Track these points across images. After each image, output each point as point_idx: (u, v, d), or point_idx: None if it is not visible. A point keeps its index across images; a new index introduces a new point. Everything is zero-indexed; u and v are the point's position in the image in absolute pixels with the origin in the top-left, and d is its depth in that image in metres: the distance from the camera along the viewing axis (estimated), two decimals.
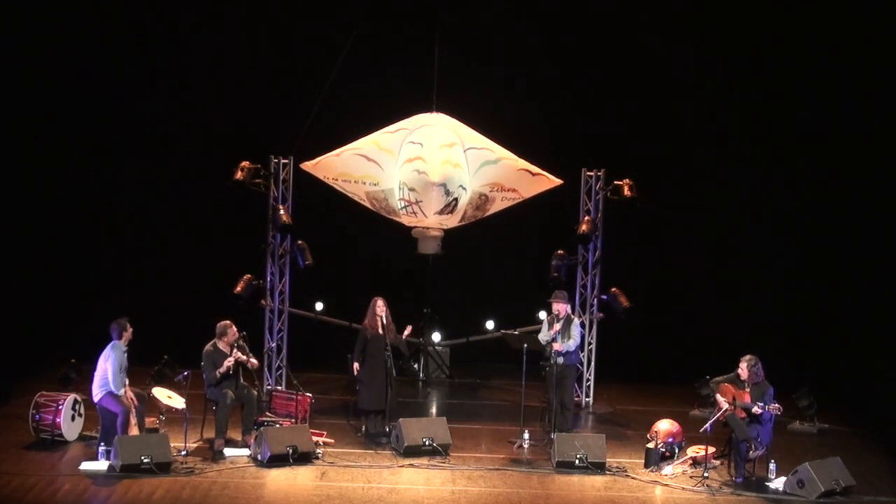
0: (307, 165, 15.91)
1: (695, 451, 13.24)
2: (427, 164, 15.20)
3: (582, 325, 14.65)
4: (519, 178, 15.81)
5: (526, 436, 13.86)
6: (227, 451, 12.96)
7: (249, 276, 15.78)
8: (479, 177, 15.60)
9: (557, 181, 16.00)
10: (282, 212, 15.67)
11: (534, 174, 15.90)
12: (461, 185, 15.38)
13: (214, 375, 13.11)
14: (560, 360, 13.90)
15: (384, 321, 13.93)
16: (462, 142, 15.66)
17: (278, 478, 12.29)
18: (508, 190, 15.78)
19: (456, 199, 15.42)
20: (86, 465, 12.28)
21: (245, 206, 16.44)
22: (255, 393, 13.52)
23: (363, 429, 14.11)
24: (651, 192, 16.47)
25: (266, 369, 15.95)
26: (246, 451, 12.96)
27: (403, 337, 14.19)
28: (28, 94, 17.64)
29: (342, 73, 16.04)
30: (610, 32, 17.91)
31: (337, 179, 15.83)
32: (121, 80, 18.08)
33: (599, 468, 12.84)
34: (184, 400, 13.34)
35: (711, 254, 18.41)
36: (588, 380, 16.38)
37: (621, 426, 15.17)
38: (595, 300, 16.30)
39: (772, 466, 12.73)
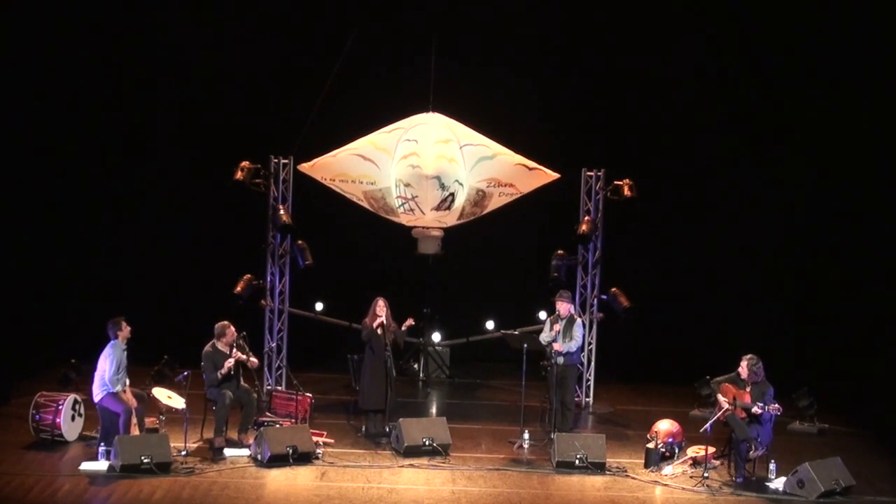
0: (304, 167, 15.92)
1: (695, 451, 13.23)
2: (421, 159, 15.29)
3: (582, 324, 14.64)
4: (516, 174, 15.83)
5: (526, 436, 13.85)
6: (227, 451, 12.95)
7: (249, 276, 15.78)
8: (476, 173, 15.63)
9: (554, 175, 16.03)
10: (282, 212, 15.67)
11: (530, 169, 15.95)
12: (457, 181, 15.39)
13: (215, 377, 13.11)
14: (560, 360, 13.90)
15: (384, 321, 13.93)
16: (458, 139, 15.70)
17: (278, 478, 12.29)
18: (505, 185, 15.80)
19: (452, 195, 15.43)
20: (86, 465, 12.28)
21: (245, 206, 16.43)
22: (255, 396, 13.52)
23: (363, 429, 14.11)
24: (651, 192, 16.47)
25: (266, 369, 15.94)
26: (246, 451, 12.95)
27: (403, 328, 14.13)
28: (28, 93, 17.62)
29: (341, 73, 16.03)
30: (610, 32, 17.90)
31: (335, 180, 15.85)
32: (121, 80, 18.10)
33: (599, 468, 12.83)
34: (184, 400, 13.32)
35: (711, 253, 18.40)
36: (588, 380, 16.37)
37: (621, 426, 15.16)
38: (595, 300, 16.30)
39: (772, 466, 12.72)
